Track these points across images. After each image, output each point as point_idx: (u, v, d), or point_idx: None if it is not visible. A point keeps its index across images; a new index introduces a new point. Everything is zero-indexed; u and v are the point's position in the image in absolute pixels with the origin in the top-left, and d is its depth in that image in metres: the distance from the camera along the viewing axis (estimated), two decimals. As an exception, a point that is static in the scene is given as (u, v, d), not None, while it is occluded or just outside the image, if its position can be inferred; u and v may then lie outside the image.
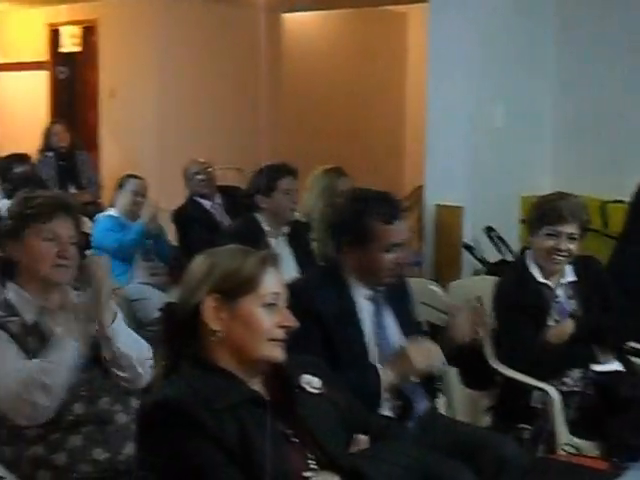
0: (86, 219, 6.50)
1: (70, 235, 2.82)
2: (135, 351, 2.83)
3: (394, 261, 2.99)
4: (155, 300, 5.47)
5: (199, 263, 2.17)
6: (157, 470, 2.02)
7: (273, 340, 2.12)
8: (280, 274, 2.19)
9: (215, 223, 6.13)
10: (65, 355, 2.65)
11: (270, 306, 2.13)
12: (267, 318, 2.12)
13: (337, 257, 3.10)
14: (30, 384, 2.60)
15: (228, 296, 2.10)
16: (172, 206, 6.24)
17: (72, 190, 7.77)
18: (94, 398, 2.74)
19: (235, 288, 2.11)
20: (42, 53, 10.49)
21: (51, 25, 10.38)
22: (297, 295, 2.91)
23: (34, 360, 2.66)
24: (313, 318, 2.85)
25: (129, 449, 2.71)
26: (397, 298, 3.15)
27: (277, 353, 2.14)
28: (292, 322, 2.16)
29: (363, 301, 3.05)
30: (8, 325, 2.71)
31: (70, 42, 10.32)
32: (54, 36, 10.37)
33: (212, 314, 2.10)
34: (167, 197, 6.54)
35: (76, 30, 10.21)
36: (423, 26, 7.37)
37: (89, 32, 10.05)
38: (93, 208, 7.84)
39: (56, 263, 2.77)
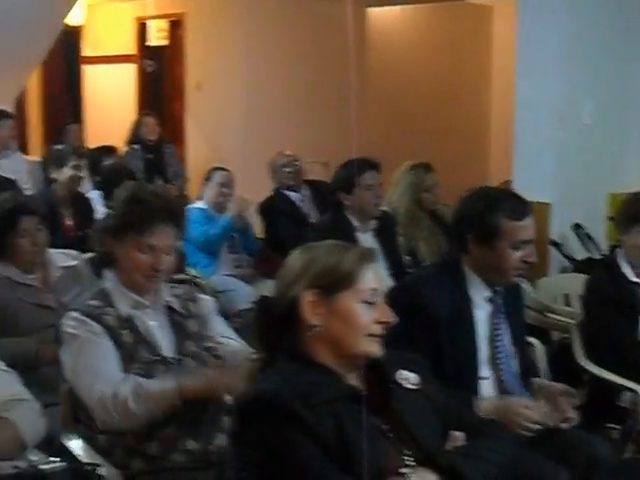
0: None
1: (168, 245, 2.86)
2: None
3: (521, 259, 2.91)
4: (240, 292, 5.55)
5: (297, 258, 2.18)
6: (253, 463, 2.04)
7: (371, 336, 2.13)
8: (378, 270, 2.19)
9: (302, 216, 6.18)
10: (166, 389, 2.68)
11: (368, 302, 2.13)
12: (365, 314, 2.13)
13: (456, 255, 3.01)
14: (124, 397, 2.65)
15: (326, 291, 2.11)
16: (256, 199, 6.30)
17: (158, 182, 7.88)
18: None
19: (333, 283, 2.12)
20: (130, 47, 10.64)
21: (139, 19, 10.53)
22: (406, 292, 2.92)
23: (135, 378, 2.70)
24: (422, 316, 2.81)
25: (220, 440, 2.74)
26: (510, 301, 3.06)
27: (374, 349, 2.14)
28: (390, 318, 2.16)
29: (480, 302, 2.97)
30: (104, 317, 2.77)
31: (157, 36, 10.45)
32: (142, 30, 10.52)
33: (310, 309, 2.11)
34: (251, 190, 6.59)
35: (163, 24, 10.34)
36: (509, 19, 7.32)
37: (176, 26, 10.16)
38: (179, 201, 7.97)
39: (149, 274, 2.83)
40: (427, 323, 2.83)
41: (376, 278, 2.17)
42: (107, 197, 5.38)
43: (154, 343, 2.82)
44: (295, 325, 2.14)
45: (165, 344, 2.85)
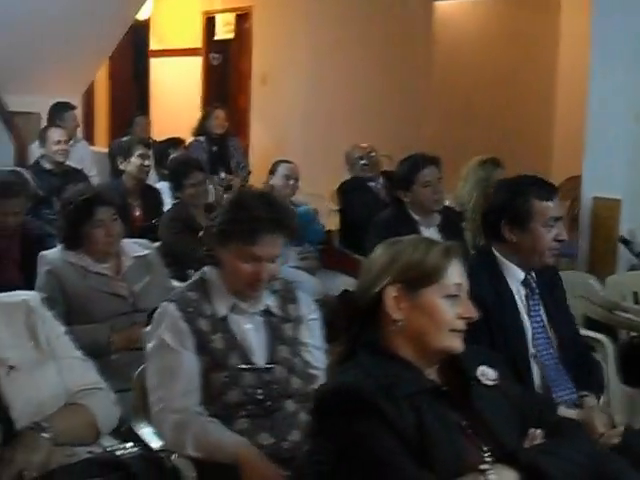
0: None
1: (273, 255, 2.75)
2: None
3: (555, 238, 3.02)
4: (305, 284, 5.52)
5: (381, 252, 2.18)
6: (332, 456, 2.03)
7: (453, 331, 2.12)
8: (461, 265, 2.18)
9: (379, 201, 6.19)
10: (227, 449, 2.61)
11: (452, 297, 2.13)
12: (449, 309, 2.12)
13: (489, 243, 3.14)
14: (182, 439, 2.62)
15: (410, 286, 2.11)
16: (318, 192, 6.32)
17: (222, 175, 7.93)
18: (272, 400, 2.75)
19: (418, 278, 2.11)
20: (197, 40, 10.73)
21: (206, 13, 10.63)
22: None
23: (201, 422, 2.65)
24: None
25: (295, 436, 2.73)
26: (548, 287, 3.15)
27: (457, 344, 2.13)
28: (473, 313, 2.15)
29: (516, 285, 3.07)
30: (198, 320, 2.72)
31: (224, 29, 10.54)
32: (209, 23, 10.61)
33: (393, 304, 2.11)
34: (314, 183, 6.61)
35: (230, 17, 10.42)
36: (577, 12, 7.22)
37: (243, 19, 10.23)
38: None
39: (252, 283, 2.75)
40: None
41: (460, 273, 2.16)
42: (175, 188, 5.42)
43: (246, 349, 2.77)
44: (378, 319, 2.14)
45: (257, 349, 2.79)
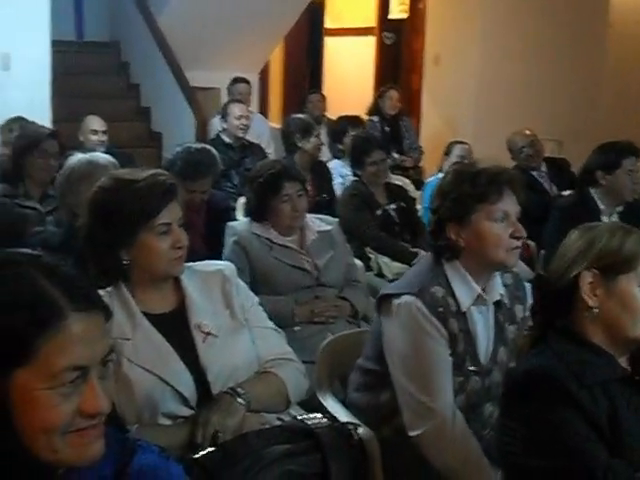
0: (407, 181, 6.68)
1: (517, 212, 2.62)
2: None
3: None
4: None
5: (577, 237, 2.16)
6: (521, 437, 2.04)
7: None
8: None
9: (543, 191, 6.09)
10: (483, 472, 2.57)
11: None
12: None
13: None
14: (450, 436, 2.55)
15: (606, 273, 2.09)
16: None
17: (394, 155, 7.94)
18: (483, 403, 2.72)
19: (614, 266, 2.09)
20: (370, 19, 10.75)
21: (381, -8, 10.63)
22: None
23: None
24: None
25: (488, 435, 2.68)
26: None
27: None
28: None
29: None
30: (449, 322, 2.61)
31: (399, 9, 10.51)
32: (383, 3, 10.61)
33: (589, 289, 2.09)
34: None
35: (405, -3, 10.40)
36: None
37: (417, -1, 10.19)
38: (414, 173, 8.02)
39: (511, 246, 2.60)
40: None
41: None
42: (356, 166, 5.46)
43: (478, 351, 2.69)
44: (571, 304, 2.12)
45: (483, 351, 2.70)
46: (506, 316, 2.76)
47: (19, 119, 5.81)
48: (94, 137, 6.51)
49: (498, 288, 2.74)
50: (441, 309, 2.60)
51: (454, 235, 2.63)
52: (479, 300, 2.67)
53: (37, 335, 1.29)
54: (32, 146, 4.69)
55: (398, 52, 10.63)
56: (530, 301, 2.55)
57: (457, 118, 9.48)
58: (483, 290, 2.68)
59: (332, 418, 2.48)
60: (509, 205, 2.59)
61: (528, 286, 2.70)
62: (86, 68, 9.15)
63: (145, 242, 2.41)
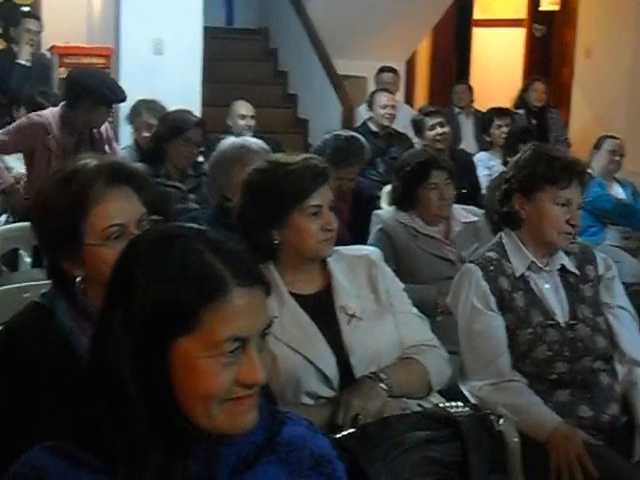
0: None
1: (580, 202, 2.82)
2: None
3: None
4: (625, 265, 5.37)
5: None
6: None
7: None
8: None
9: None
10: (544, 427, 2.64)
11: None
12: None
13: None
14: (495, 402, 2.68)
15: None
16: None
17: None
18: (576, 358, 2.76)
19: None
20: (521, 11, 10.60)
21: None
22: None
23: (521, 389, 2.72)
24: None
25: (613, 410, 2.73)
26: None
27: None
28: None
29: None
30: (499, 279, 2.80)
31: (549, 1, 10.34)
32: (535, -5, 10.46)
33: None
34: (637, 162, 6.35)
35: (557, -11, 10.21)
36: None
37: (569, -9, 9.98)
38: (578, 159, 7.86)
39: (564, 230, 2.79)
40: None
41: None
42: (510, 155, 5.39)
43: (547, 307, 2.81)
44: None
45: (558, 308, 2.83)
46: (578, 278, 2.88)
47: (145, 102, 5.79)
48: (242, 122, 6.62)
49: (559, 258, 2.87)
50: (492, 268, 2.82)
51: (518, 206, 2.85)
52: (533, 267, 2.84)
53: (202, 306, 1.33)
54: (177, 133, 4.70)
55: (548, 44, 10.44)
56: (599, 260, 2.91)
57: (608, 112, 9.25)
58: (542, 260, 2.85)
59: (474, 407, 2.47)
60: (574, 194, 2.78)
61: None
62: (235, 54, 9.31)
63: (296, 223, 2.46)
